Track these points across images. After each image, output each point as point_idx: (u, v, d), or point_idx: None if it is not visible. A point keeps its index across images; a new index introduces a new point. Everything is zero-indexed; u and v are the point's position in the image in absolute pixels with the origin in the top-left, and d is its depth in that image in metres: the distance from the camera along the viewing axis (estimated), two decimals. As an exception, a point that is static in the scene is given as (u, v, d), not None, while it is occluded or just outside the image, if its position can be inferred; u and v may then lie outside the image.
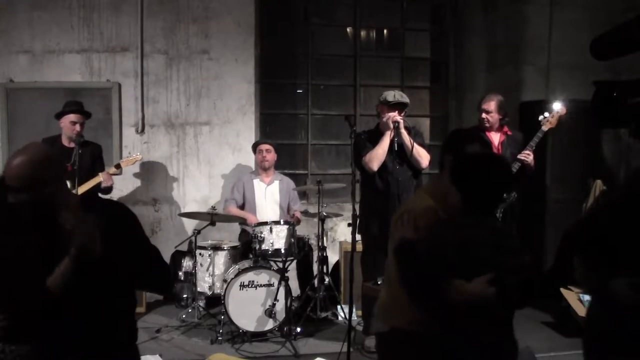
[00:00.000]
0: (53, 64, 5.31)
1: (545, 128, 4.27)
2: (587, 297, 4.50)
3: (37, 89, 5.12)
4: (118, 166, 4.67)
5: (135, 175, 5.49)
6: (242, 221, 4.97)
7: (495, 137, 4.41)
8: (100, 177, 4.42)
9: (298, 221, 4.91)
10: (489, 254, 2.13)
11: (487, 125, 4.39)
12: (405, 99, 4.12)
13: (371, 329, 2.31)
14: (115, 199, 5.43)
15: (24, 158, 1.77)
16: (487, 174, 2.19)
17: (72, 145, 4.41)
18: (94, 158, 4.54)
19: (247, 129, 5.65)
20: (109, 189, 4.56)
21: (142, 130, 5.48)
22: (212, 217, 4.53)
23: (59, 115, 4.47)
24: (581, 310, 4.42)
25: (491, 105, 4.37)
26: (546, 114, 4.28)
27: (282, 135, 5.96)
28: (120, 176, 5.41)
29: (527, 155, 4.22)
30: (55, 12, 5.29)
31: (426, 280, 2.11)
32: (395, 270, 2.27)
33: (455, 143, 2.51)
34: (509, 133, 4.45)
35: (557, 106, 4.30)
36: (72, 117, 4.43)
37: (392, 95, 4.09)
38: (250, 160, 5.54)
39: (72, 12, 5.32)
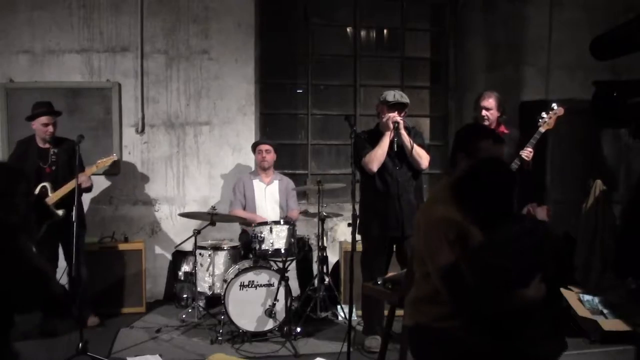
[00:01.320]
0: (53, 64, 5.31)
1: (542, 129, 4.21)
2: (587, 297, 4.50)
3: (37, 89, 5.12)
4: (97, 166, 4.52)
5: (135, 175, 5.49)
6: (243, 221, 4.97)
7: (493, 136, 4.38)
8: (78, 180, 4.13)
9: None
10: (532, 252, 2.09)
11: (487, 122, 4.35)
12: (405, 99, 4.10)
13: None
14: (116, 199, 5.45)
15: None
16: (486, 187, 2.15)
17: (47, 145, 4.42)
18: (69, 155, 4.41)
19: (247, 129, 5.65)
20: (88, 189, 4.50)
21: (142, 130, 5.48)
22: (212, 217, 4.53)
23: (30, 118, 4.40)
24: (581, 310, 4.42)
25: (491, 102, 4.32)
26: (544, 115, 4.24)
27: (282, 135, 5.95)
28: (120, 176, 5.44)
29: (530, 153, 4.19)
30: (55, 12, 5.29)
31: (488, 296, 2.06)
32: (438, 285, 2.19)
33: (468, 139, 2.45)
34: (505, 131, 4.39)
35: (555, 107, 4.27)
36: (43, 119, 4.36)
37: (392, 95, 4.06)
38: (250, 160, 5.54)
39: (72, 12, 5.32)
